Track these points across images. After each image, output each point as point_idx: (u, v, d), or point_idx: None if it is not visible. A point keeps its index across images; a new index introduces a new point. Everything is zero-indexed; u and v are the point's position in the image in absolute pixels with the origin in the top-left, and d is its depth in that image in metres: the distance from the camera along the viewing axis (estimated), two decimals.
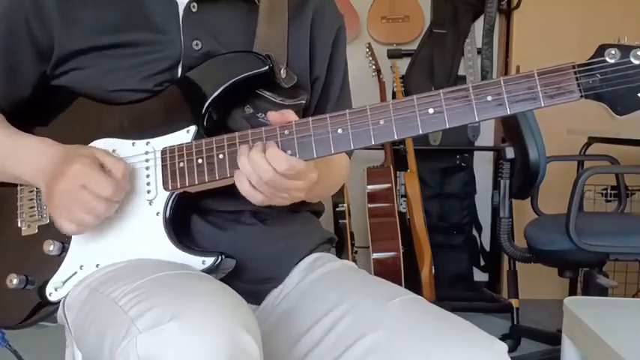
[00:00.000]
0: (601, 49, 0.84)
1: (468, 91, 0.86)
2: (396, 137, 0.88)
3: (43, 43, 1.05)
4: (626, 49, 0.83)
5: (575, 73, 0.84)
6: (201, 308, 0.77)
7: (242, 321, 0.78)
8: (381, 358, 0.88)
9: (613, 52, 0.83)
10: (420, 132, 0.87)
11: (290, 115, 0.93)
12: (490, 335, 0.89)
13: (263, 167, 0.89)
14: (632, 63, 0.83)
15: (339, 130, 0.90)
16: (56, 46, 1.04)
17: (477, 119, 0.86)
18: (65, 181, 0.93)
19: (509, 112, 0.85)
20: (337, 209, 2.96)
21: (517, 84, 0.85)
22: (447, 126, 0.87)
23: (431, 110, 0.87)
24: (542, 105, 0.84)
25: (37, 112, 1.10)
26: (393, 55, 3.53)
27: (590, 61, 0.84)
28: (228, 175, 0.94)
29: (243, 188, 0.92)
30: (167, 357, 0.73)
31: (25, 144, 1.03)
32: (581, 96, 0.84)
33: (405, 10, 3.51)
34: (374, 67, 3.28)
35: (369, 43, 3.37)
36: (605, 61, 0.83)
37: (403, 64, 3.47)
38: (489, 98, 0.86)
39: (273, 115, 0.93)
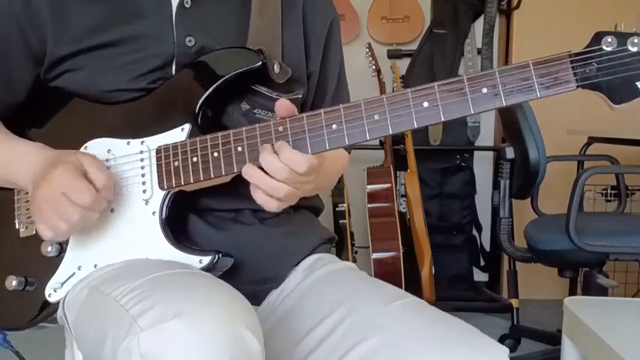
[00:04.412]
0: (597, 37, 0.82)
1: (462, 83, 0.85)
2: (390, 131, 0.87)
3: (36, 47, 1.04)
4: (622, 37, 0.81)
5: (571, 62, 0.83)
6: (204, 306, 0.77)
7: (244, 318, 0.78)
8: None
9: (610, 39, 0.81)
10: (415, 126, 0.86)
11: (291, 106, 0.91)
12: (491, 339, 0.89)
13: (277, 166, 0.88)
14: (629, 51, 0.81)
15: (334, 126, 0.89)
16: (48, 50, 1.03)
17: (472, 111, 0.85)
18: (47, 186, 0.93)
19: (504, 104, 0.84)
20: (337, 209, 2.95)
21: (512, 75, 0.84)
22: (442, 119, 0.86)
23: (425, 104, 0.86)
24: (539, 96, 0.83)
25: (33, 113, 1.09)
26: (393, 55, 3.52)
27: (586, 49, 0.83)
28: (224, 174, 0.94)
29: (259, 199, 0.91)
30: (169, 355, 0.73)
31: (17, 149, 1.02)
32: (578, 86, 0.82)
33: (405, 10, 3.51)
34: (374, 67, 3.27)
35: (369, 43, 3.37)
36: (601, 49, 0.81)
37: (403, 64, 3.47)
38: (484, 90, 0.85)
39: (279, 105, 0.91)
